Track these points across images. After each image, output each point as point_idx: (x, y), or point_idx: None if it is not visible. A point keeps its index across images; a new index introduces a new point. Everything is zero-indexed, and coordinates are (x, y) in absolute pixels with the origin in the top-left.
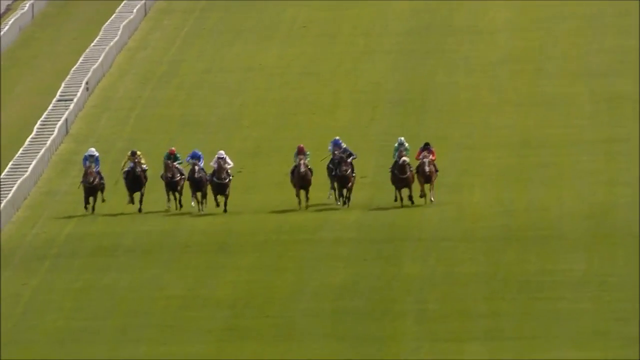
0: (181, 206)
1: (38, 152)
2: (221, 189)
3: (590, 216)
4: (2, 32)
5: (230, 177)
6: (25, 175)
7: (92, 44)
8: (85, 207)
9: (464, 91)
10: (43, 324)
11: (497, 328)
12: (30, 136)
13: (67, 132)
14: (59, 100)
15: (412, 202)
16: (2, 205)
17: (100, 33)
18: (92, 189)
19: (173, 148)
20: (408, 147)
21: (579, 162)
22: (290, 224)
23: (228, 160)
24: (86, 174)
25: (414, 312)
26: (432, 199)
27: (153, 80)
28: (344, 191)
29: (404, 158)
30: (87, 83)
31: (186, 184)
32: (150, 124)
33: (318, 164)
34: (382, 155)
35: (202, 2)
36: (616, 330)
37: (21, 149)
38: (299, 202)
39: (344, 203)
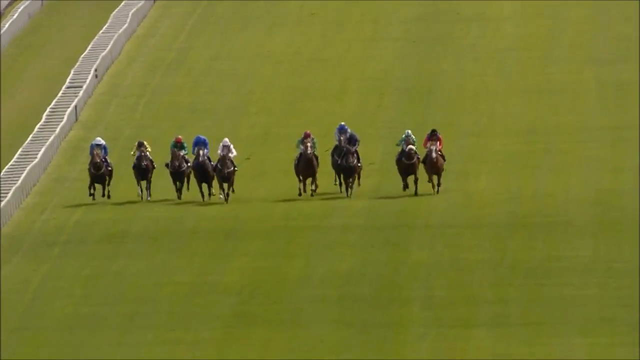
0: (187, 191)
1: (47, 139)
2: (225, 178)
3: (596, 203)
4: (11, 20)
5: (235, 168)
6: (34, 162)
7: (101, 31)
8: (90, 194)
9: (471, 78)
10: (52, 310)
11: (504, 314)
12: (40, 123)
13: (76, 119)
14: (68, 88)
15: (416, 194)
16: (10, 192)
17: (109, 20)
18: (99, 175)
19: (180, 136)
20: (415, 140)
21: (586, 149)
22: (298, 210)
23: (232, 149)
24: (93, 161)
25: (420, 299)
26: (438, 189)
27: (161, 68)
28: (350, 181)
29: (410, 146)
30: (96, 70)
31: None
32: (158, 111)
33: (323, 153)
34: (390, 142)
35: None
36: (622, 316)
37: (30, 135)
38: (301, 190)
39: (347, 192)
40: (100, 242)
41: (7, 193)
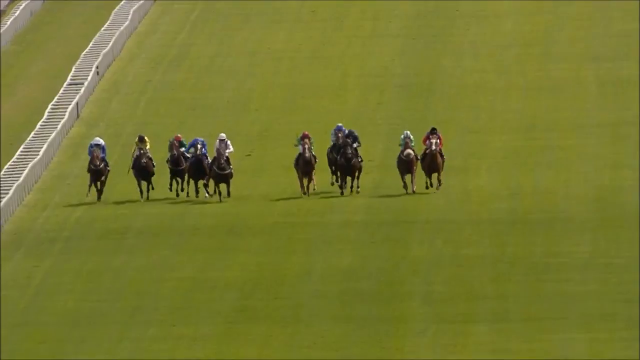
0: (184, 190)
1: (49, 136)
2: (222, 178)
3: (596, 199)
4: (13, 17)
5: (231, 169)
6: (36, 159)
7: (103, 28)
8: (88, 194)
9: (471, 75)
10: (54, 306)
11: (504, 310)
12: (41, 120)
13: (77, 116)
14: (69, 85)
15: (414, 192)
16: (12, 189)
17: (111, 17)
18: (98, 172)
19: (179, 135)
20: (413, 140)
21: (585, 145)
22: (298, 206)
23: (229, 144)
24: (92, 159)
25: (421, 294)
26: (439, 188)
27: (163, 65)
28: (354, 181)
29: (408, 150)
30: (97, 67)
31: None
32: (160, 108)
33: (322, 151)
34: (390, 139)
35: None
36: (622, 312)
37: (32, 132)
38: (302, 189)
39: (351, 189)
40: (102, 239)
41: (9, 190)
